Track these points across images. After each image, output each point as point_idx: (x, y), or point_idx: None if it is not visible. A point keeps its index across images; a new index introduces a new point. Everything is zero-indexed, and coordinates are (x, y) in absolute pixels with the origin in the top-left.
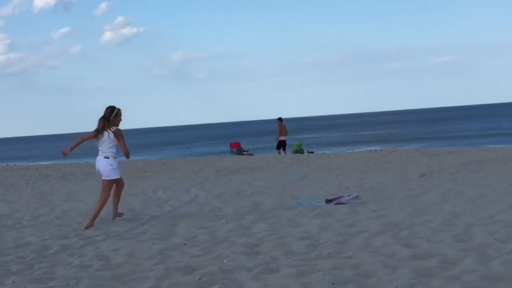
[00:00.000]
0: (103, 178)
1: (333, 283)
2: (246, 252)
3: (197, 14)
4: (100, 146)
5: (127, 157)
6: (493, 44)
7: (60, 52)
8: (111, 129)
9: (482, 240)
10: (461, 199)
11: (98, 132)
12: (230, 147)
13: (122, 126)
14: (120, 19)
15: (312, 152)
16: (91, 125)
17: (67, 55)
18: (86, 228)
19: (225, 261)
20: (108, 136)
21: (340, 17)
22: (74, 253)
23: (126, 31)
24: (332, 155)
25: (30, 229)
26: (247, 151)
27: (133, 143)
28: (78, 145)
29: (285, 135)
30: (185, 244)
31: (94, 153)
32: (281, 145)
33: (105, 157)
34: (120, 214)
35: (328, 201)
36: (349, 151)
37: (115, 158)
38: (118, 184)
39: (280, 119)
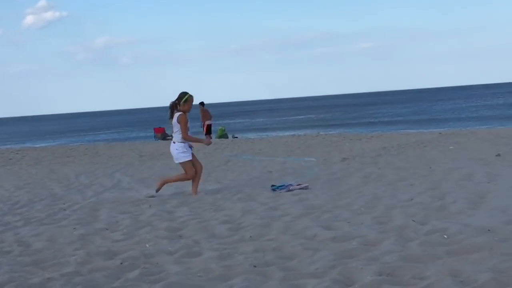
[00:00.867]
0: (174, 161)
1: (255, 266)
2: (168, 236)
3: None
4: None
5: (185, 140)
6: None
7: None
8: (177, 114)
9: (401, 222)
10: (382, 182)
11: (169, 117)
12: (155, 132)
13: (46, 111)
14: (42, 2)
15: (236, 137)
16: (13, 110)
17: None
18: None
19: (147, 245)
20: (174, 120)
21: (265, 3)
22: None
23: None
24: (256, 140)
25: None
26: (171, 136)
27: (55, 128)
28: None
29: (210, 120)
30: (107, 229)
31: (13, 138)
32: (208, 129)
33: (173, 142)
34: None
35: (275, 188)
36: (273, 135)
37: (181, 142)
38: (194, 166)
39: (202, 103)
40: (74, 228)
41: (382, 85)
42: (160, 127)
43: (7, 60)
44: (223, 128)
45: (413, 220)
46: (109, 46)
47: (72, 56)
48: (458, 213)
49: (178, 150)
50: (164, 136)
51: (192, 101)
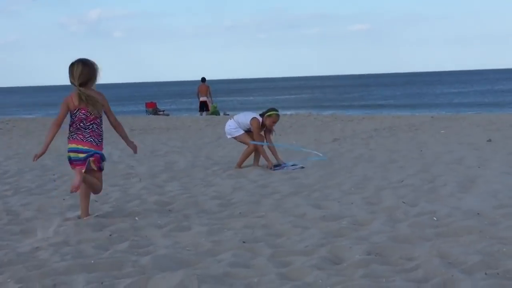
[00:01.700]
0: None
1: (244, 242)
2: (158, 210)
3: None
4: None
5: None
6: (410, 14)
7: None
8: (255, 117)
9: (391, 203)
10: (373, 163)
11: None
12: (146, 107)
13: (37, 82)
14: None
15: (227, 115)
16: (3, 80)
17: None
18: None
19: (136, 218)
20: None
21: None
22: None
23: None
24: None
25: None
26: (163, 111)
27: (45, 100)
28: None
29: (206, 96)
30: (96, 201)
31: (3, 109)
32: (202, 106)
33: (230, 118)
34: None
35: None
36: None
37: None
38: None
39: (203, 79)
40: (64, 199)
41: (375, 68)
42: (151, 102)
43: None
44: (215, 105)
45: (403, 202)
46: (102, 19)
47: (65, 28)
48: (448, 196)
49: (230, 126)
50: (155, 111)
51: (274, 121)
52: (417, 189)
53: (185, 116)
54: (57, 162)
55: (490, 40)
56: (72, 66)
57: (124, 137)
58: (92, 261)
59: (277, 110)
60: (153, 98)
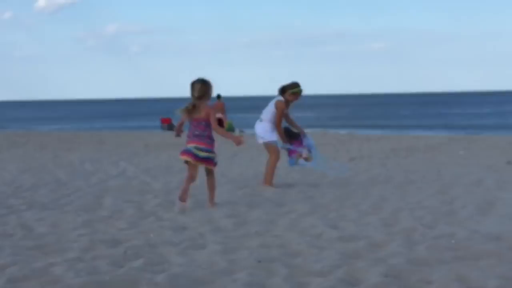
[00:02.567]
0: (258, 140)
1: (260, 261)
2: (173, 227)
3: None
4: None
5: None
6: (427, 33)
7: None
8: (277, 98)
9: (408, 225)
10: (390, 184)
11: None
12: (161, 122)
13: (54, 96)
14: None
15: (243, 131)
16: (20, 94)
17: None
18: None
19: (151, 235)
20: (272, 103)
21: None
22: None
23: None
24: None
25: None
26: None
27: (61, 114)
28: None
29: (222, 113)
30: (111, 217)
31: (19, 122)
32: (218, 123)
33: (259, 120)
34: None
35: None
36: None
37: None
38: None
39: (218, 96)
40: (78, 215)
41: (393, 87)
42: (167, 118)
43: (18, 43)
44: (231, 122)
45: (421, 224)
46: (119, 34)
47: (82, 42)
48: (467, 219)
49: (264, 128)
50: (170, 126)
51: (297, 98)
52: (435, 211)
53: None
54: (72, 177)
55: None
56: (194, 83)
57: (224, 136)
58: (107, 278)
59: (299, 85)
60: (168, 113)
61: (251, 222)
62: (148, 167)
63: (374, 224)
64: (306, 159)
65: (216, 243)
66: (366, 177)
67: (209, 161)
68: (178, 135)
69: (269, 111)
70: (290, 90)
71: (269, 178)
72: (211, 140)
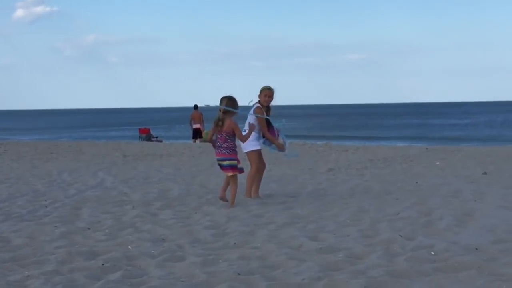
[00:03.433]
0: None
1: (239, 274)
2: (151, 239)
3: None
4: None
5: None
6: (405, 45)
7: None
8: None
9: (388, 236)
10: (368, 194)
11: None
12: (139, 132)
13: (31, 105)
14: None
15: None
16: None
17: None
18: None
19: (129, 247)
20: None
21: (256, 10)
22: None
23: (39, 9)
24: (240, 146)
25: None
26: (157, 137)
27: (38, 124)
28: None
29: (200, 123)
30: (89, 229)
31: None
32: (196, 133)
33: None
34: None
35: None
36: None
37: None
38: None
39: (195, 106)
40: (56, 226)
41: (371, 98)
42: (145, 128)
43: None
44: (208, 132)
45: (400, 235)
46: (98, 44)
47: (60, 52)
48: (445, 230)
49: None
50: (149, 137)
51: (267, 94)
52: (414, 222)
53: (179, 143)
54: (49, 188)
55: (488, 72)
56: (222, 99)
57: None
58: None
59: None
60: (148, 124)
61: (230, 233)
62: (127, 178)
63: (354, 236)
64: (279, 148)
65: (195, 255)
66: (345, 188)
67: (233, 168)
68: (214, 146)
69: (250, 119)
70: (260, 93)
71: (248, 190)
72: (229, 150)
